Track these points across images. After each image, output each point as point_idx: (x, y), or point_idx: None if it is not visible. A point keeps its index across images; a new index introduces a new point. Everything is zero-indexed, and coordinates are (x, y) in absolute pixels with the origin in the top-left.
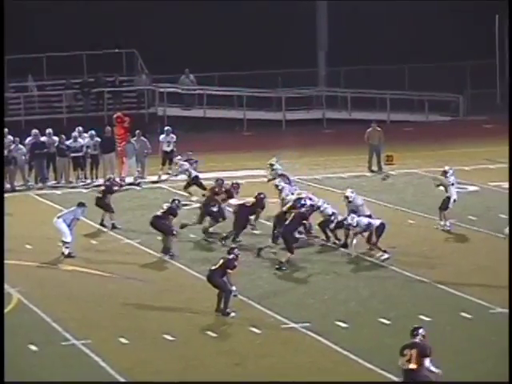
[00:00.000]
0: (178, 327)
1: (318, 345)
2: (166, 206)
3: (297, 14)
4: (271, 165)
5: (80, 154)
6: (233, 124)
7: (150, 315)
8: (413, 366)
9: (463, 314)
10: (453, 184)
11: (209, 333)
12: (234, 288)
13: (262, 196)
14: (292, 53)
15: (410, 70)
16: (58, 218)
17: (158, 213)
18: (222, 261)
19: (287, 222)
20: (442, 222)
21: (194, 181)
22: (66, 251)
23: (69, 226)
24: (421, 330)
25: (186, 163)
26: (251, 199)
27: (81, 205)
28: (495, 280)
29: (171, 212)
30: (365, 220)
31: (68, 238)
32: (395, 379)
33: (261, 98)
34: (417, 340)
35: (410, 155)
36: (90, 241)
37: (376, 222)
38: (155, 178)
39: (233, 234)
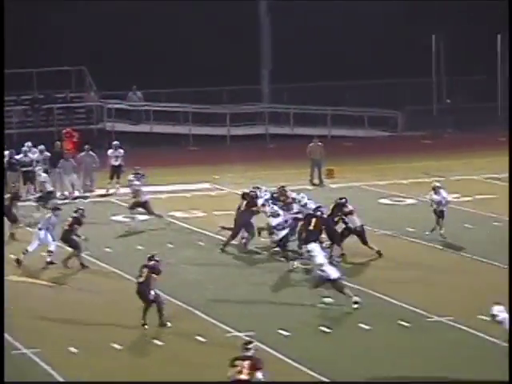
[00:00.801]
0: (125, 336)
1: (261, 353)
2: (71, 217)
3: (242, 33)
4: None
5: (30, 168)
6: (179, 139)
7: (97, 324)
8: (244, 377)
9: (401, 323)
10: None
11: (155, 341)
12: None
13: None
14: (237, 70)
15: (350, 87)
16: (39, 229)
17: (66, 226)
18: (146, 270)
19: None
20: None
21: (143, 205)
22: (49, 259)
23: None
24: (253, 345)
25: (137, 183)
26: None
27: (55, 209)
28: (431, 290)
29: (76, 222)
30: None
31: (51, 247)
32: None
33: (206, 113)
34: (249, 353)
35: (350, 169)
36: (41, 253)
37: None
38: (103, 192)
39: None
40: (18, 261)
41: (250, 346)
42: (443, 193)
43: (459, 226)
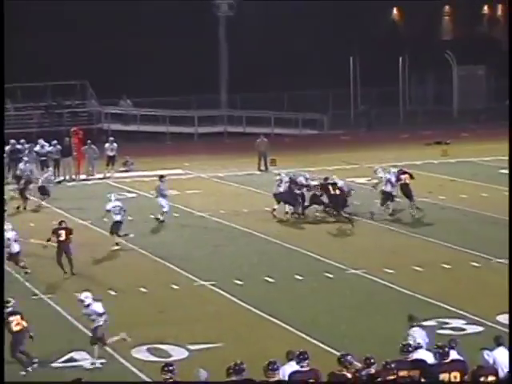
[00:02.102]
0: (118, 285)
1: (221, 298)
2: None
3: (205, 53)
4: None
5: (45, 158)
6: (159, 136)
7: (98, 276)
8: None
9: (326, 274)
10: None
11: (141, 289)
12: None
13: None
14: (201, 83)
15: (288, 96)
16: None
17: None
18: (63, 232)
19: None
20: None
21: None
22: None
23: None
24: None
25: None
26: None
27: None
28: (349, 249)
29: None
30: None
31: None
32: (276, 322)
33: (179, 116)
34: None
35: (289, 159)
36: (53, 222)
37: None
38: (101, 176)
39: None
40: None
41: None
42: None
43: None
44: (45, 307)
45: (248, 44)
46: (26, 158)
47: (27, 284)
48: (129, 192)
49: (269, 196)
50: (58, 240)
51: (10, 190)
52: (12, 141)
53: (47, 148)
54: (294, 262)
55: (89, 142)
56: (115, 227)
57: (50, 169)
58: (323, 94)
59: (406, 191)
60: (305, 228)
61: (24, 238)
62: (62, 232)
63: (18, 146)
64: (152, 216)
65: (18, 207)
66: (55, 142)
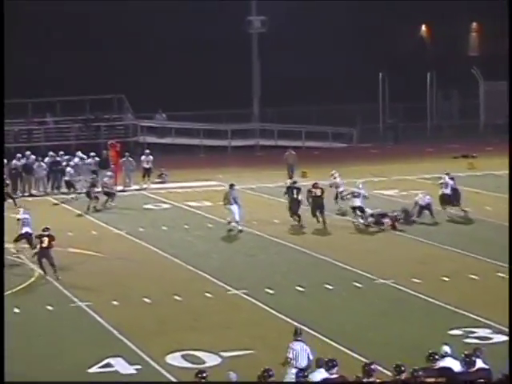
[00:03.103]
0: (153, 293)
1: (253, 306)
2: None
3: (239, 70)
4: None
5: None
6: (193, 149)
7: (133, 285)
8: None
9: (355, 284)
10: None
11: (176, 297)
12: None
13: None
14: (235, 97)
15: (318, 110)
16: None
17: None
18: (46, 239)
19: None
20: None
21: None
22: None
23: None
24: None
25: None
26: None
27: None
28: (376, 260)
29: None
30: None
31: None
32: (306, 329)
33: (213, 130)
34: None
35: (318, 171)
36: (92, 231)
37: None
38: (138, 187)
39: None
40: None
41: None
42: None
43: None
44: (82, 314)
45: (280, 59)
46: (71, 166)
47: (66, 292)
48: (163, 203)
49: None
50: (41, 246)
51: (54, 199)
52: (51, 153)
53: (85, 160)
54: (324, 272)
55: (126, 154)
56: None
57: (110, 173)
58: (352, 109)
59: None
60: (334, 237)
61: (62, 246)
62: (46, 239)
63: (58, 158)
64: (226, 222)
65: (88, 208)
66: (93, 154)
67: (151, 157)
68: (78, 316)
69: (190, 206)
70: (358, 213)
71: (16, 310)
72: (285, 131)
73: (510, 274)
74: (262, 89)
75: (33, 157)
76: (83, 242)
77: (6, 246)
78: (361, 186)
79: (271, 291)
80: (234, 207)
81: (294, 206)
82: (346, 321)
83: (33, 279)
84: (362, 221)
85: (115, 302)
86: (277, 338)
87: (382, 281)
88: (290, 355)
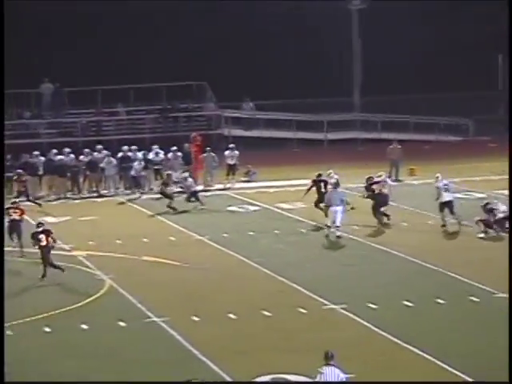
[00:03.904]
0: (239, 308)
1: (352, 323)
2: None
3: (336, 54)
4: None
5: (160, 166)
6: (284, 142)
7: (216, 298)
8: None
9: (471, 298)
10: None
11: (264, 312)
12: None
13: None
14: (333, 85)
15: (428, 99)
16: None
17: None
18: (43, 236)
19: None
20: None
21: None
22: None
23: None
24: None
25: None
26: None
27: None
28: (495, 271)
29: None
30: None
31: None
32: (414, 350)
33: (307, 121)
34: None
35: (428, 168)
36: (169, 237)
37: None
38: (221, 186)
39: None
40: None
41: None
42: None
43: None
44: (158, 331)
45: (383, 42)
46: (137, 163)
47: (140, 306)
48: (250, 204)
49: (405, 210)
50: (40, 245)
51: (126, 199)
52: (124, 147)
53: (161, 156)
54: (435, 284)
55: (208, 149)
56: None
57: (186, 174)
58: (468, 97)
59: None
60: (445, 245)
61: (136, 254)
62: (43, 236)
63: (129, 154)
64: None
65: (168, 206)
66: (175, 148)
67: (236, 152)
68: (153, 333)
69: (280, 208)
70: (447, 211)
71: (84, 327)
72: (389, 122)
73: (510, 274)
74: (364, 74)
75: (105, 152)
76: (159, 249)
77: (74, 253)
78: (440, 178)
79: (374, 306)
80: (337, 209)
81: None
82: (460, 341)
83: (103, 291)
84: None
85: (195, 318)
86: (381, 360)
87: (503, 295)
88: (317, 379)
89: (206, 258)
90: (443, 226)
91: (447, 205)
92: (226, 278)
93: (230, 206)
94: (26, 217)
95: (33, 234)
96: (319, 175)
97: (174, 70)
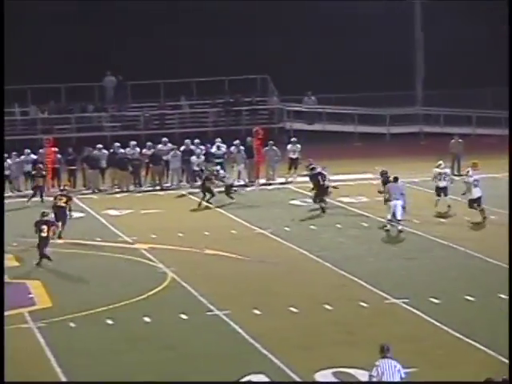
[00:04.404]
0: (300, 301)
1: (414, 317)
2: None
3: (398, 48)
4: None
5: (221, 160)
6: (346, 136)
7: (277, 291)
8: None
9: None
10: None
11: (326, 306)
12: None
13: None
14: (395, 78)
15: (493, 91)
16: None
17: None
18: (45, 227)
19: None
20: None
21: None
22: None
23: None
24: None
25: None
26: None
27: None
28: None
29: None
30: None
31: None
32: (476, 345)
33: (369, 115)
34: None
35: (492, 162)
36: (231, 231)
37: None
38: (283, 180)
39: None
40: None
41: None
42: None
43: None
44: (220, 324)
45: (446, 31)
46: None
47: (201, 299)
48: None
49: (466, 204)
50: (40, 235)
51: (188, 192)
52: (186, 141)
53: (223, 149)
54: (497, 279)
55: (270, 142)
56: None
57: (217, 167)
58: None
59: None
60: (507, 239)
61: (198, 248)
62: (45, 227)
63: (192, 147)
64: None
65: (207, 201)
66: (238, 141)
67: (299, 146)
68: (215, 326)
69: (342, 202)
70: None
71: (146, 319)
72: (453, 116)
73: (510, 272)
74: (426, 67)
75: (169, 145)
76: (221, 242)
77: (136, 246)
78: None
79: (436, 301)
80: (397, 203)
81: (321, 193)
82: None
83: (165, 284)
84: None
85: (257, 311)
86: (443, 355)
87: None
88: (374, 373)
89: (267, 252)
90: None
91: (477, 201)
92: (287, 271)
93: (292, 199)
94: (72, 204)
95: (36, 223)
96: (312, 169)
97: (237, 63)
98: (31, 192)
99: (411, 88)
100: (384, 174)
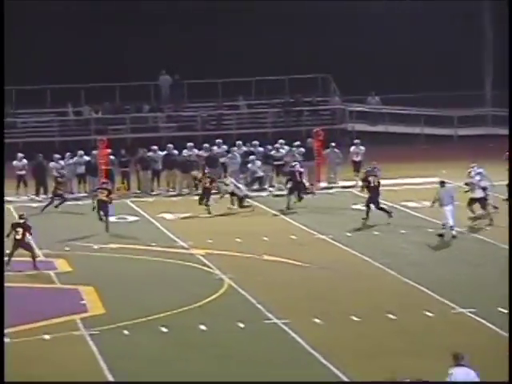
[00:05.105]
0: (362, 310)
1: (483, 328)
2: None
3: (466, 45)
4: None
5: (281, 162)
6: (411, 138)
7: (338, 299)
8: None
9: None
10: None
11: (389, 315)
12: None
13: None
14: (462, 77)
15: None
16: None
17: None
18: (21, 230)
19: None
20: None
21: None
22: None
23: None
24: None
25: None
26: None
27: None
28: None
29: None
30: None
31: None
32: None
33: (435, 116)
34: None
35: None
36: (290, 236)
37: None
38: (345, 184)
39: None
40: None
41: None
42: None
43: None
44: (278, 333)
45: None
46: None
47: (259, 306)
48: None
49: None
50: (15, 238)
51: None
52: (238, 142)
53: (282, 151)
54: None
55: (332, 144)
56: None
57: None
58: None
59: None
60: None
61: (257, 253)
62: (20, 230)
63: (251, 149)
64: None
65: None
66: (298, 143)
67: (362, 147)
68: (273, 335)
69: (406, 206)
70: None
71: (202, 327)
72: None
73: (510, 273)
74: (495, 66)
75: (224, 147)
76: (280, 248)
77: (193, 251)
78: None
79: (505, 311)
80: (447, 208)
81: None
82: None
83: (222, 291)
84: None
85: (317, 320)
86: None
87: None
88: (448, 379)
89: (328, 258)
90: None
91: (479, 201)
92: (349, 278)
93: (354, 204)
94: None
95: (12, 224)
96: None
97: (298, 62)
98: (83, 195)
99: (479, 88)
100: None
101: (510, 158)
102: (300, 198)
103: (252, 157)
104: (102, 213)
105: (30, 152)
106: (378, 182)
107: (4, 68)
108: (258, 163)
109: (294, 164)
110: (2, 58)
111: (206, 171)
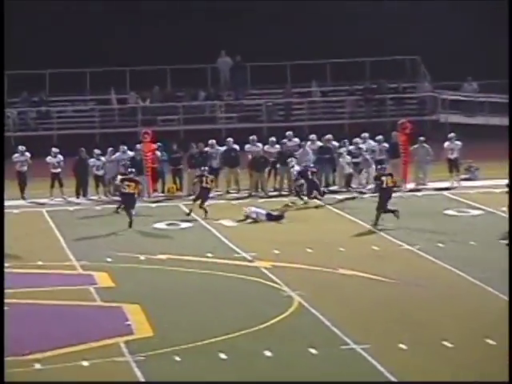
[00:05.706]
0: (457, 334)
1: None
2: None
3: None
4: None
5: (359, 159)
6: None
7: (429, 321)
8: None
9: None
10: None
11: (488, 340)
12: None
13: None
14: None
15: None
16: None
17: None
18: None
19: None
20: None
21: None
22: None
23: None
24: None
25: None
26: None
27: None
28: None
29: None
30: None
31: None
32: None
33: None
34: None
35: None
36: (371, 246)
37: None
38: (436, 185)
39: None
40: None
41: None
42: None
43: None
44: (357, 361)
45: None
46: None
47: (335, 329)
48: (472, 208)
49: None
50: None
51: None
52: (311, 136)
53: (363, 146)
54: None
55: (420, 139)
56: None
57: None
58: None
59: None
60: None
61: (331, 267)
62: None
63: (328, 144)
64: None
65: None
66: (380, 137)
67: (458, 143)
68: (351, 363)
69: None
70: None
71: (267, 353)
72: None
73: (510, 274)
74: None
75: (296, 140)
76: (359, 260)
77: (256, 264)
78: None
79: None
80: None
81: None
82: None
83: (291, 310)
84: None
85: (402, 346)
86: None
87: None
88: None
89: (416, 273)
90: None
91: None
92: (440, 297)
93: (446, 209)
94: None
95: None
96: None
97: (380, 42)
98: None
99: None
100: None
101: (510, 158)
102: (312, 198)
103: (343, 149)
104: (125, 206)
105: (66, 146)
106: (394, 183)
107: (5, 58)
108: (348, 158)
109: (305, 165)
110: (3, 50)
111: (203, 170)
